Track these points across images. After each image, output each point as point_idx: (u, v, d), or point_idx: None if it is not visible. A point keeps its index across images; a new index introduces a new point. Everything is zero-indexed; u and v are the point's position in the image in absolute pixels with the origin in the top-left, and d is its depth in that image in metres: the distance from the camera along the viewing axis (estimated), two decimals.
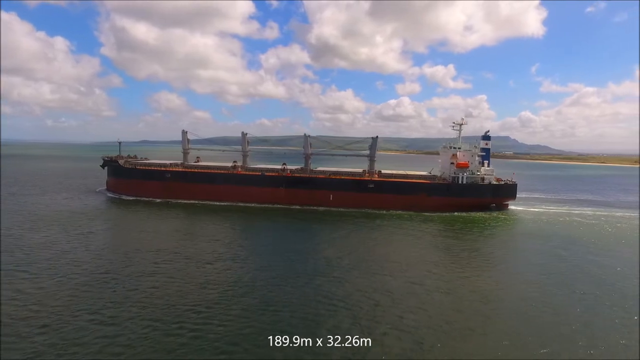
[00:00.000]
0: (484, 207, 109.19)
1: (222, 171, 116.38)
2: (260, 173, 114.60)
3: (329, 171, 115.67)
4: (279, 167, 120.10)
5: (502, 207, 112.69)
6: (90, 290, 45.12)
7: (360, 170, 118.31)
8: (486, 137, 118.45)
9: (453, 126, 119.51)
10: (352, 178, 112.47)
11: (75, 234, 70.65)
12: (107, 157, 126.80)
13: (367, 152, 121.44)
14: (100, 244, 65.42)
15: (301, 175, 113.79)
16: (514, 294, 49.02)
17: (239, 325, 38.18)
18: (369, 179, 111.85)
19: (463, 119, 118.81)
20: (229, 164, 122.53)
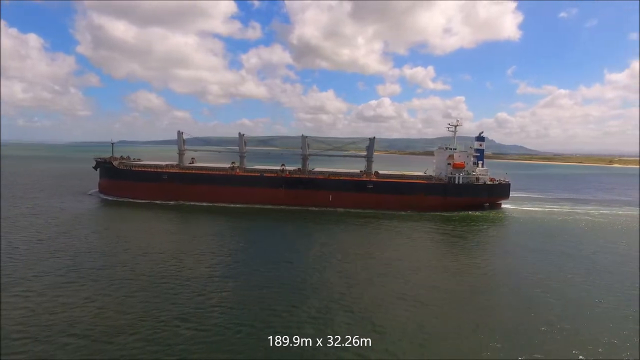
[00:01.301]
0: (479, 207, 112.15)
1: (221, 172, 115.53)
2: (259, 174, 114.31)
3: (328, 172, 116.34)
4: (278, 168, 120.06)
5: (496, 206, 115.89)
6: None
7: (358, 170, 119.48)
8: (480, 138, 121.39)
9: (449, 127, 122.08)
10: (352, 179, 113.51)
11: (82, 240, 68.88)
12: (100, 158, 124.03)
13: (365, 153, 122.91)
14: (112, 247, 64.29)
15: (300, 176, 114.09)
16: (520, 293, 50.68)
17: (239, 325, 38.49)
18: (368, 179, 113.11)
19: (458, 120, 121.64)
20: (226, 165, 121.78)
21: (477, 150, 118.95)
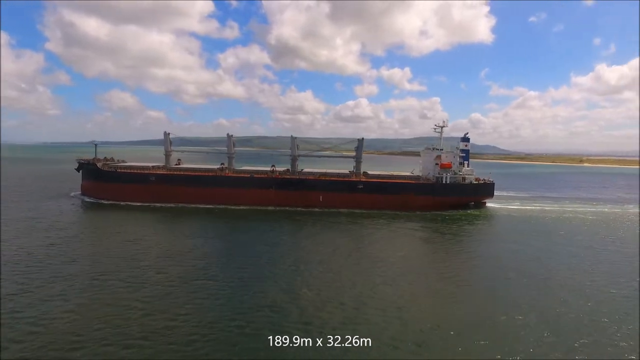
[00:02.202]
0: (465, 206, 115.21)
1: (210, 173, 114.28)
2: (249, 175, 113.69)
3: (318, 172, 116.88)
4: (268, 168, 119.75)
5: (481, 205, 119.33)
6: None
7: (347, 171, 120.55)
8: (465, 139, 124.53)
9: (435, 128, 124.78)
10: (342, 179, 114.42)
11: (71, 244, 67.13)
12: (83, 159, 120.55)
13: (354, 153, 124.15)
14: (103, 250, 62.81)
15: (291, 177, 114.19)
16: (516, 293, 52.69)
17: (239, 325, 38.80)
18: (358, 179, 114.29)
19: (444, 121, 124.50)
20: (215, 166, 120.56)
21: (462, 150, 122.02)
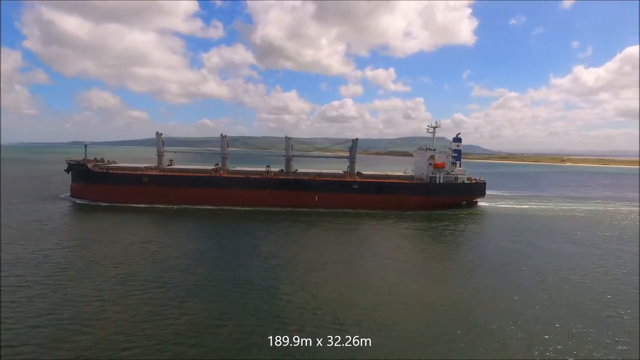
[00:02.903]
0: (458, 205, 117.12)
1: (205, 174, 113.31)
2: (244, 176, 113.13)
3: (313, 173, 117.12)
4: (262, 169, 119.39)
5: (473, 204, 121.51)
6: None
7: (341, 171, 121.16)
8: (457, 139, 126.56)
9: (428, 129, 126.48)
10: (337, 179, 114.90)
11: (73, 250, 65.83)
12: (73, 160, 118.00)
13: (347, 153, 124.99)
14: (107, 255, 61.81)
15: (286, 177, 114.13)
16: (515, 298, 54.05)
17: (239, 324, 39.01)
18: (353, 180, 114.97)
19: (437, 122, 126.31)
20: (208, 167, 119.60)
21: (454, 150, 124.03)
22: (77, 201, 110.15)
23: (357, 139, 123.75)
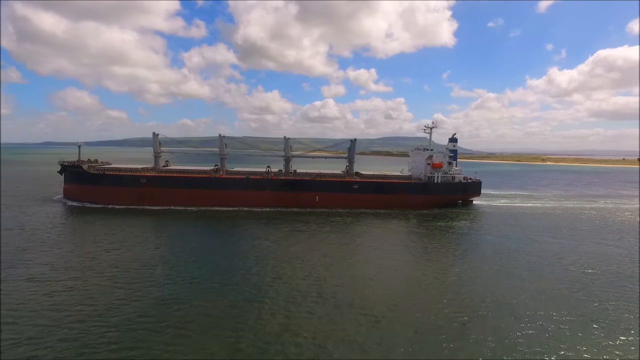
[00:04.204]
0: (455, 204, 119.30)
1: (204, 175, 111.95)
2: (244, 176, 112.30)
3: (314, 173, 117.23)
4: (261, 169, 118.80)
5: (468, 203, 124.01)
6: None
7: (340, 171, 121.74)
8: (453, 140, 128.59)
9: (424, 129, 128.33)
10: (338, 179, 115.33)
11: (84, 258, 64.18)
12: (66, 162, 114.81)
13: (346, 154, 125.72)
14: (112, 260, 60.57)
15: (287, 178, 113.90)
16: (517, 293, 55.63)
17: (239, 325, 39.19)
18: (353, 180, 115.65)
19: (433, 122, 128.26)
20: (207, 168, 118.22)
21: (451, 150, 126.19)
22: (71, 203, 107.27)
23: (355, 139, 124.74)
